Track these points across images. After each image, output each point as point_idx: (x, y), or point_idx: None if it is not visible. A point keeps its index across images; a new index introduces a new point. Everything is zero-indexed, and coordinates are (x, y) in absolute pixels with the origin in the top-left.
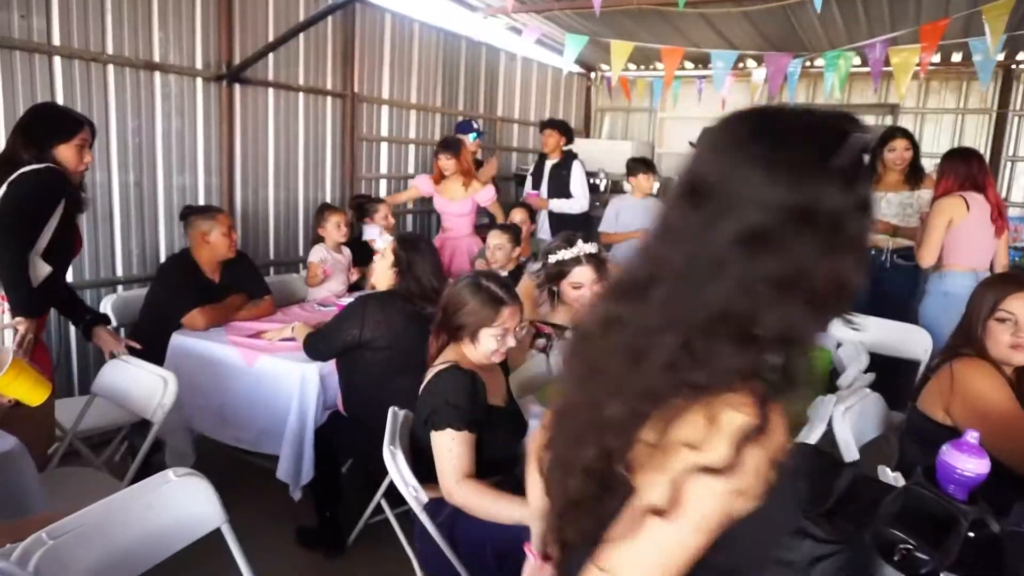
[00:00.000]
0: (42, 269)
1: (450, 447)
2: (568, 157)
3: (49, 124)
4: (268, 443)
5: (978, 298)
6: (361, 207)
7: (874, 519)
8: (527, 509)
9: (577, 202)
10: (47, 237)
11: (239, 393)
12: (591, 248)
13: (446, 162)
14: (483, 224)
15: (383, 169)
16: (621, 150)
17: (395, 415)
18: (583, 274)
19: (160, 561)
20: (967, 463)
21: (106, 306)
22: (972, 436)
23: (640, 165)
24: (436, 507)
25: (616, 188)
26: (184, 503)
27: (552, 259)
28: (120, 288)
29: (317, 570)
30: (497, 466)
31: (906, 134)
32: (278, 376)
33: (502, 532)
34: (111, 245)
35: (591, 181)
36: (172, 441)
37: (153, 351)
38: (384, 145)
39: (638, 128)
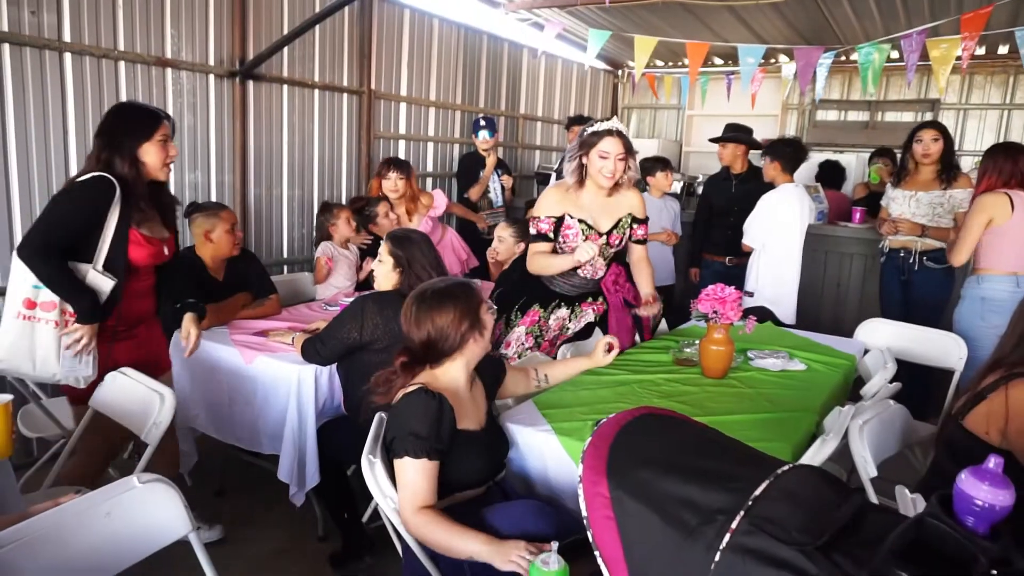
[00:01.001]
0: (103, 283)
1: (408, 475)
2: None
3: (127, 125)
4: (268, 443)
5: None
6: (362, 211)
7: (876, 555)
8: (482, 544)
9: None
10: (104, 249)
11: (238, 392)
12: (620, 125)
13: (398, 182)
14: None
15: None
16: (648, 148)
17: (380, 421)
18: (611, 144)
19: (121, 571)
20: (989, 493)
21: None
22: (994, 462)
23: (657, 164)
24: None
25: (641, 187)
26: (148, 511)
27: (589, 130)
28: None
29: (314, 573)
30: (479, 478)
31: (936, 125)
32: (276, 376)
33: None
34: None
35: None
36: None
37: None
38: (402, 143)
39: (666, 126)
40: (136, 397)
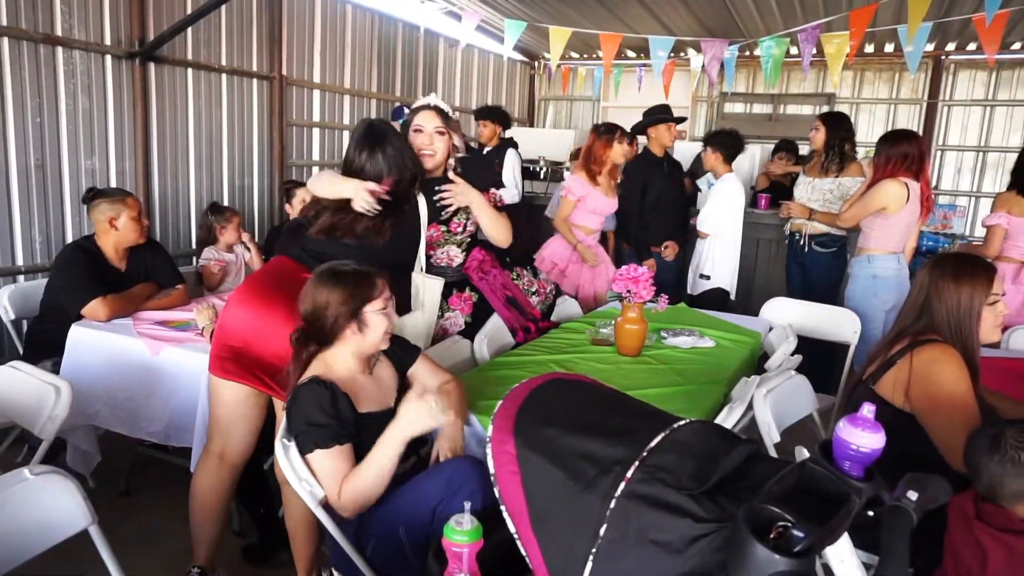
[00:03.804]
0: None
1: (324, 466)
2: (503, 145)
3: None
4: (178, 436)
5: (967, 287)
6: (288, 192)
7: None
8: (395, 432)
9: (508, 192)
10: None
11: (144, 385)
12: (439, 100)
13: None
14: None
15: (315, 155)
16: (564, 138)
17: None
18: (424, 117)
19: (17, 566)
20: (862, 438)
21: (2, 298)
22: (868, 410)
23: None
24: None
25: (556, 175)
26: (44, 503)
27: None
28: (22, 278)
29: (230, 569)
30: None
31: (821, 116)
32: (182, 366)
33: (413, 516)
34: (9, 231)
35: (531, 168)
36: (74, 440)
37: (54, 345)
38: (316, 131)
39: (582, 117)
40: (28, 391)
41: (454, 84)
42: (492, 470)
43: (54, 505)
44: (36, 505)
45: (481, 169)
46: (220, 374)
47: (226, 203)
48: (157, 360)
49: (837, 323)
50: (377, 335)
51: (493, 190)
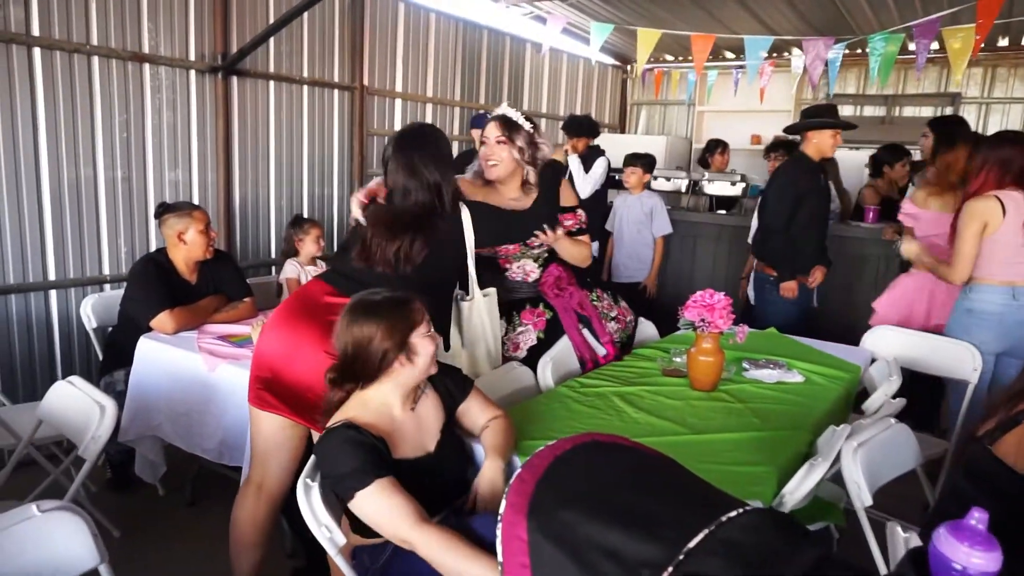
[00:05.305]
0: None
1: (378, 504)
2: (591, 154)
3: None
4: (231, 455)
5: None
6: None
7: None
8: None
9: (578, 185)
10: None
11: (200, 401)
12: (507, 109)
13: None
14: None
15: None
16: (656, 145)
17: None
18: (489, 128)
19: None
20: (971, 557)
21: (85, 307)
22: (978, 519)
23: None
24: (373, 553)
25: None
26: (49, 543)
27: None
28: (108, 287)
29: None
30: (432, 507)
31: (931, 122)
32: (236, 384)
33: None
34: (96, 242)
35: (615, 177)
36: (142, 450)
37: (128, 355)
38: None
39: (676, 122)
40: (78, 408)
41: (541, 90)
42: (500, 559)
43: (62, 545)
44: (41, 546)
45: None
46: (256, 404)
47: (305, 214)
48: (213, 377)
49: (953, 357)
50: (426, 361)
51: (580, 212)
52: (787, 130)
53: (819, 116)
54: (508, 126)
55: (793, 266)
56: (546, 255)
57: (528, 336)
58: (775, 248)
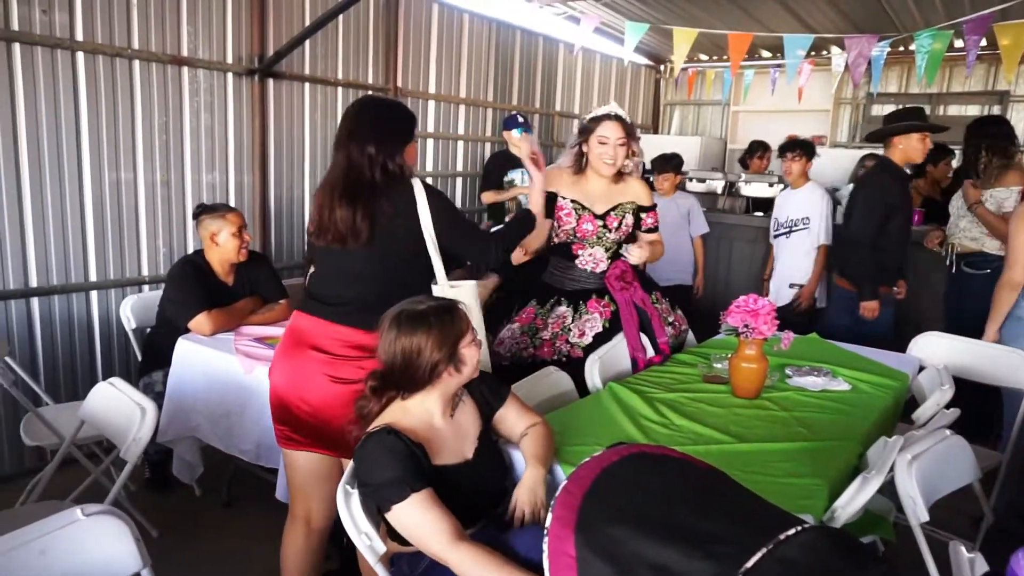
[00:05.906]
0: None
1: (414, 518)
2: None
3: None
4: (268, 456)
5: None
6: None
7: None
8: None
9: None
10: None
11: (238, 403)
12: (618, 109)
13: None
14: None
15: (428, 167)
16: (690, 146)
17: None
18: (610, 129)
19: None
20: None
21: (125, 308)
22: None
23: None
24: (412, 561)
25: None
26: (93, 547)
27: (588, 116)
28: (147, 288)
29: None
30: (471, 516)
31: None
32: None
33: None
34: (136, 243)
35: (647, 179)
36: (179, 451)
37: (167, 356)
38: (430, 141)
39: (710, 123)
40: (119, 410)
41: (573, 91)
42: (548, 575)
43: (104, 548)
44: (85, 548)
45: None
46: (284, 445)
47: None
48: (249, 379)
49: (1007, 366)
50: (471, 369)
51: (655, 214)
52: (870, 137)
53: (904, 119)
54: (628, 129)
55: (876, 284)
56: (617, 246)
57: (595, 323)
58: (860, 263)
